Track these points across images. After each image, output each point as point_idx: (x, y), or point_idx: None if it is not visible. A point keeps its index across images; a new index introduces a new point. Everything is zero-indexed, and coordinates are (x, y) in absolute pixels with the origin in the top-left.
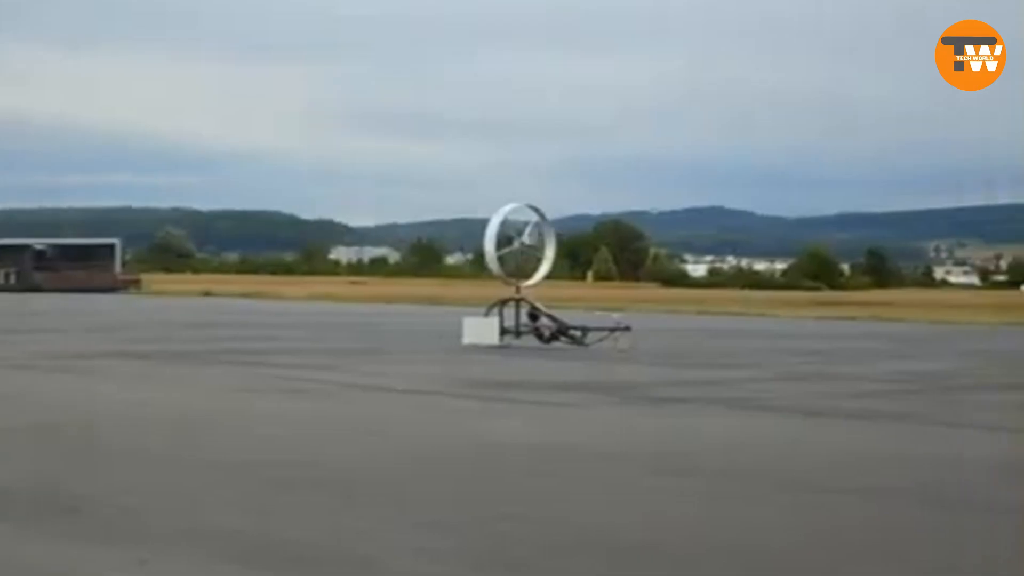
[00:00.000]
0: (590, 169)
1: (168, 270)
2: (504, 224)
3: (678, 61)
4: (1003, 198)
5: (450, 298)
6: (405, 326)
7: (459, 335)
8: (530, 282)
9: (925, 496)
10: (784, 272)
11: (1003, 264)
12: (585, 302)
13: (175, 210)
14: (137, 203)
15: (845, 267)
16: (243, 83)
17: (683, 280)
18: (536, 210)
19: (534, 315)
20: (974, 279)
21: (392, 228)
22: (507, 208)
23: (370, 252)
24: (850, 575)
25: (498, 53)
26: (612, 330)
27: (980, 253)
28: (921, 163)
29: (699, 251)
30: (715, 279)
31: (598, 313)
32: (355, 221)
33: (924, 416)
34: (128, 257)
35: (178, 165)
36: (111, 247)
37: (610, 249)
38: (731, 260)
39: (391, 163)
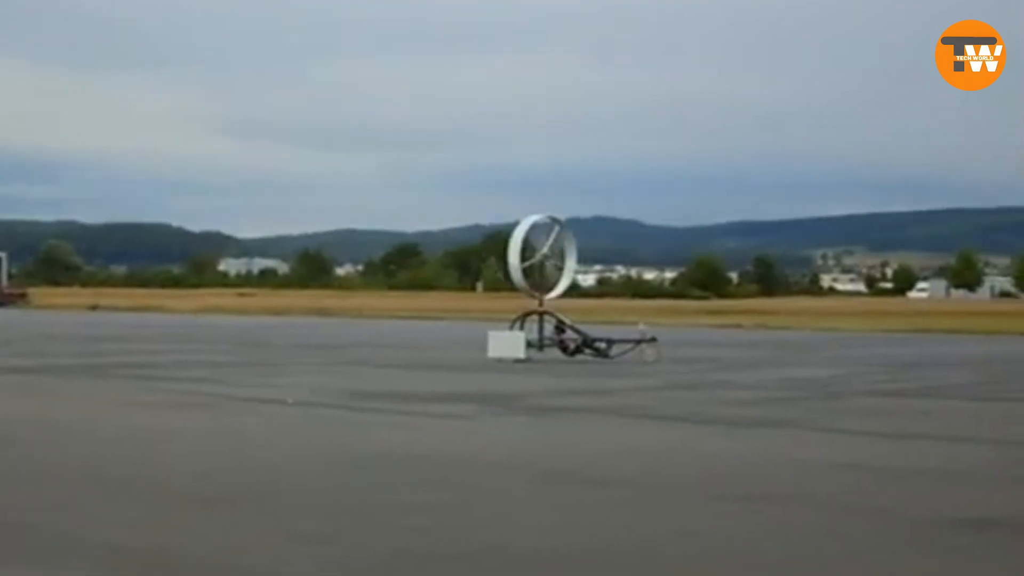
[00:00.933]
0: (479, 179)
1: (56, 284)
2: (527, 235)
3: (567, 69)
4: (889, 206)
5: (338, 309)
6: (295, 338)
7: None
8: (552, 294)
9: (813, 502)
10: (673, 281)
11: (889, 271)
12: (475, 312)
13: (60, 223)
14: (20, 216)
15: (733, 276)
16: (124, 93)
17: (572, 289)
18: (557, 221)
19: (561, 327)
20: (861, 286)
21: (281, 240)
22: (531, 219)
23: (259, 264)
24: None
25: (388, 61)
26: (638, 342)
27: (866, 261)
28: (809, 171)
29: (587, 260)
30: (604, 288)
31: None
32: (243, 233)
33: (808, 423)
34: (15, 271)
35: (60, 178)
36: None
37: (500, 259)
38: (620, 269)
39: (279, 174)
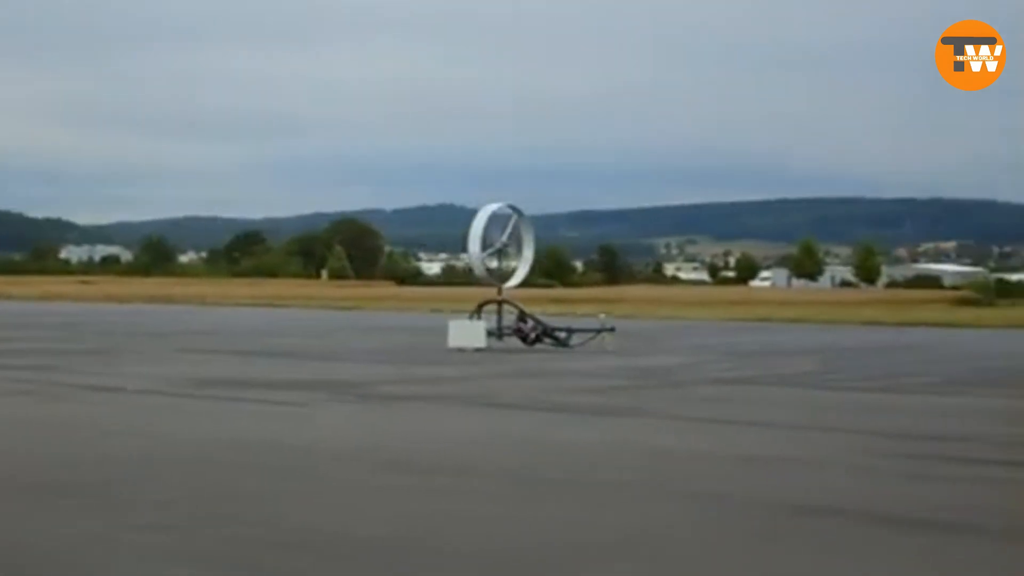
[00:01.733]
0: (323, 167)
1: None
2: (486, 224)
3: (413, 60)
4: (732, 195)
5: (181, 297)
6: (138, 326)
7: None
8: (510, 283)
9: (656, 489)
10: None
11: (732, 260)
12: (320, 300)
13: None
14: None
15: (578, 264)
16: None
17: (418, 278)
18: (515, 209)
19: (523, 317)
20: (704, 275)
21: (122, 226)
22: (490, 208)
23: (101, 251)
24: (598, 572)
25: (230, 50)
26: (598, 331)
27: (709, 249)
28: (652, 161)
29: (433, 249)
30: (450, 277)
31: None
32: (85, 219)
33: (653, 411)
34: None
35: None
36: None
37: (344, 247)
38: (465, 258)
39: (120, 161)
